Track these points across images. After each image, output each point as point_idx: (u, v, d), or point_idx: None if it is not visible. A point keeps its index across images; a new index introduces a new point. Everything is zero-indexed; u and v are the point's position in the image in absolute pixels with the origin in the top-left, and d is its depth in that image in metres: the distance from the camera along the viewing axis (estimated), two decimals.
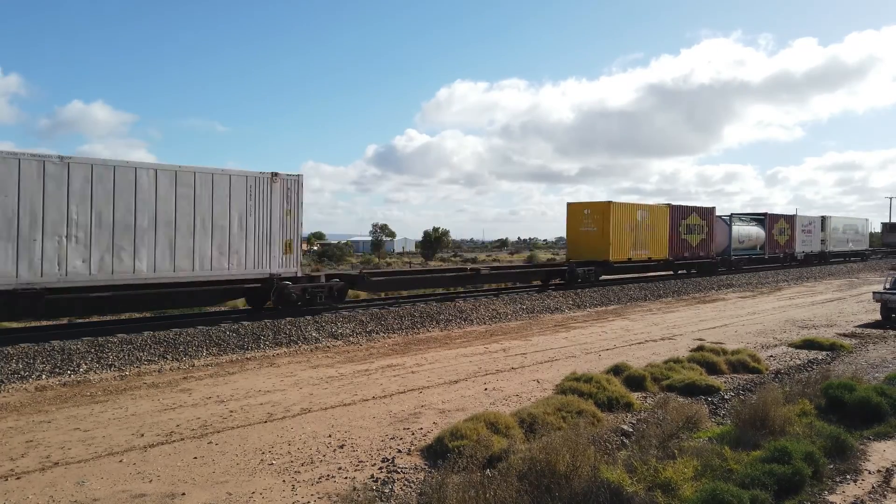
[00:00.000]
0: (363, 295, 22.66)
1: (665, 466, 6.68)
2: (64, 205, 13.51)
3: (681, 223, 32.93)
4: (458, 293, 24.78)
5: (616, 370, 11.75)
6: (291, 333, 15.84)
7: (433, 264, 54.09)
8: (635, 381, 11.30)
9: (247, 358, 13.96)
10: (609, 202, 28.40)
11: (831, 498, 6.76)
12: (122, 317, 17.86)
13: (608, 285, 28.03)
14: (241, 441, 8.32)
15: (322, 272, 20.01)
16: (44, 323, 16.13)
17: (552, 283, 27.66)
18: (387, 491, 6.74)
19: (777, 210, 57.69)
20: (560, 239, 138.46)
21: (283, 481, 7.02)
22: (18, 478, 7.07)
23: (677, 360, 12.88)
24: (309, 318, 17.09)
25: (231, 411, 9.71)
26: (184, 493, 6.67)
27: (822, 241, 49.44)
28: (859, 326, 19.22)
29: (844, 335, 17.53)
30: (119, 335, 14.07)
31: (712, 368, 12.71)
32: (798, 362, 13.89)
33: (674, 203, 32.72)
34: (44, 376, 11.84)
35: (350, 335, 16.48)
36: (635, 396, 10.54)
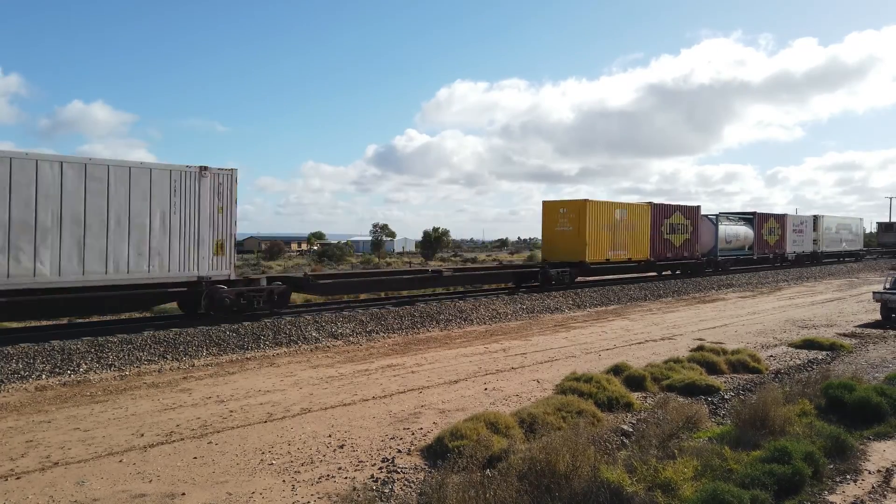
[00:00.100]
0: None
1: (665, 466, 6.68)
2: None
3: (663, 222, 31.73)
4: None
5: (616, 370, 11.75)
6: (291, 333, 15.83)
7: (433, 264, 54.06)
8: (635, 381, 11.30)
9: (247, 358, 13.96)
10: (585, 200, 27.23)
11: (831, 498, 6.76)
12: (122, 316, 17.86)
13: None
14: (241, 441, 8.32)
15: (263, 275, 18.69)
16: (44, 323, 16.13)
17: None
18: (387, 491, 6.74)
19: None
20: None
21: (283, 481, 7.02)
22: (18, 478, 7.07)
23: (677, 360, 12.88)
24: (309, 317, 17.06)
25: (231, 411, 9.71)
26: (184, 493, 6.67)
27: (815, 241, 48.43)
28: (859, 326, 19.21)
29: (844, 335, 17.52)
30: (119, 335, 14.06)
31: (712, 368, 12.70)
32: (798, 362, 13.88)
33: (655, 201, 31.55)
34: (44, 376, 11.84)
35: (350, 335, 16.48)
36: (635, 396, 10.54)
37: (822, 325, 19.47)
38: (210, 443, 8.25)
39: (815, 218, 49.03)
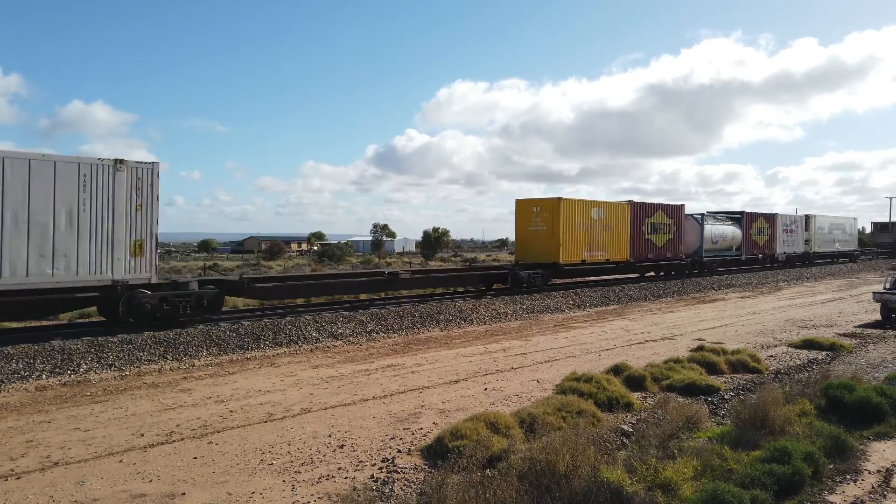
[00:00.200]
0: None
1: (665, 466, 6.68)
2: None
3: (644, 222, 30.56)
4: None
5: (616, 370, 11.75)
6: (291, 333, 15.84)
7: (433, 264, 54.14)
8: (635, 381, 11.30)
9: (247, 358, 13.97)
10: (559, 198, 26.10)
11: (831, 498, 6.76)
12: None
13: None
14: (241, 441, 8.32)
15: (194, 278, 17.38)
16: (44, 323, 16.12)
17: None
18: (387, 491, 6.74)
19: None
20: None
21: (283, 481, 7.02)
22: (18, 478, 7.07)
23: (677, 360, 12.88)
24: (309, 317, 17.03)
25: (231, 411, 9.72)
26: (184, 493, 6.68)
27: (806, 242, 47.38)
28: (859, 326, 19.21)
29: (844, 335, 17.52)
30: (119, 335, 14.06)
31: (712, 368, 12.71)
32: (798, 362, 13.88)
33: (636, 200, 30.58)
34: (44, 376, 11.84)
35: (350, 335, 16.48)
36: (635, 396, 10.54)
37: (822, 325, 19.47)
38: (210, 443, 8.26)
39: (807, 217, 47.98)
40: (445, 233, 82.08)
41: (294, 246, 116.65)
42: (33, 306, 13.79)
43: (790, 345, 15.89)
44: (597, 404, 9.67)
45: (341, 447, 8.13)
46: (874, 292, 20.61)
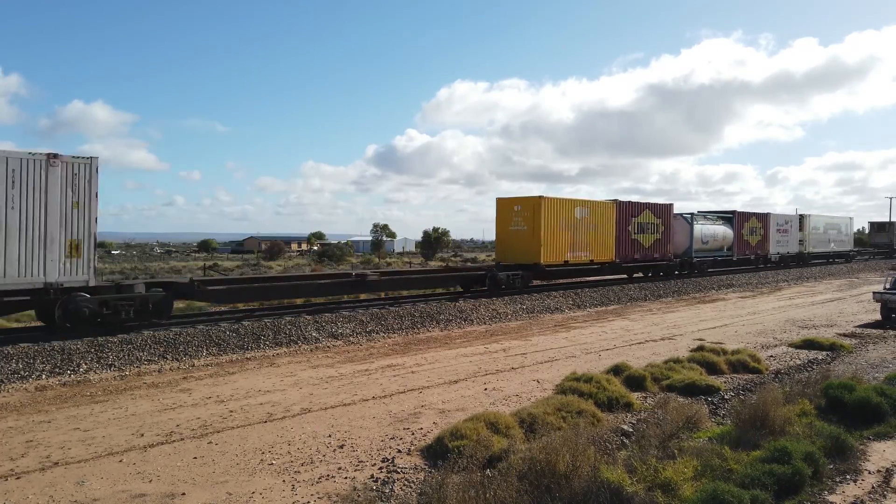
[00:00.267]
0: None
1: (665, 466, 6.68)
2: None
3: (631, 221, 29.67)
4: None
5: (616, 370, 11.75)
6: (291, 333, 15.84)
7: (433, 264, 54.13)
8: (635, 381, 11.30)
9: (247, 358, 13.97)
10: (541, 197, 25.19)
11: (831, 498, 6.76)
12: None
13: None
14: (241, 441, 8.32)
15: (140, 281, 16.54)
16: (44, 322, 16.11)
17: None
18: (387, 491, 6.74)
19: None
20: None
21: (283, 481, 7.02)
22: (18, 478, 7.07)
23: (677, 360, 12.88)
24: (309, 317, 17.04)
25: (231, 411, 9.72)
26: (184, 493, 6.68)
27: (801, 242, 46.54)
28: (859, 326, 19.21)
29: (844, 335, 17.52)
30: (119, 335, 14.07)
31: (712, 368, 12.70)
32: (798, 362, 13.88)
33: (622, 199, 29.70)
34: (44, 376, 11.84)
35: (350, 335, 16.48)
36: (635, 396, 10.54)
37: (823, 325, 19.47)
38: (210, 443, 8.26)
39: (801, 217, 47.14)
40: (445, 233, 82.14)
41: (294, 246, 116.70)
42: None
43: (790, 345, 15.89)
44: (597, 404, 9.67)
45: (341, 447, 8.13)
46: (874, 292, 20.61)
